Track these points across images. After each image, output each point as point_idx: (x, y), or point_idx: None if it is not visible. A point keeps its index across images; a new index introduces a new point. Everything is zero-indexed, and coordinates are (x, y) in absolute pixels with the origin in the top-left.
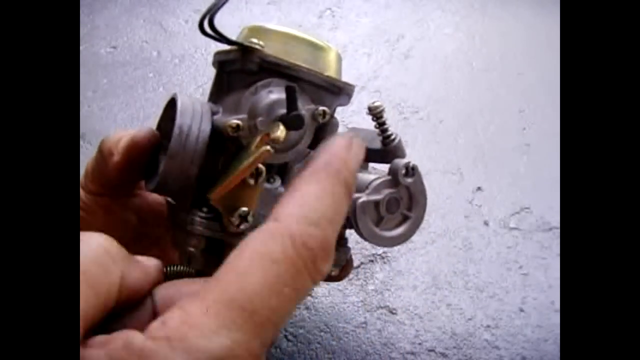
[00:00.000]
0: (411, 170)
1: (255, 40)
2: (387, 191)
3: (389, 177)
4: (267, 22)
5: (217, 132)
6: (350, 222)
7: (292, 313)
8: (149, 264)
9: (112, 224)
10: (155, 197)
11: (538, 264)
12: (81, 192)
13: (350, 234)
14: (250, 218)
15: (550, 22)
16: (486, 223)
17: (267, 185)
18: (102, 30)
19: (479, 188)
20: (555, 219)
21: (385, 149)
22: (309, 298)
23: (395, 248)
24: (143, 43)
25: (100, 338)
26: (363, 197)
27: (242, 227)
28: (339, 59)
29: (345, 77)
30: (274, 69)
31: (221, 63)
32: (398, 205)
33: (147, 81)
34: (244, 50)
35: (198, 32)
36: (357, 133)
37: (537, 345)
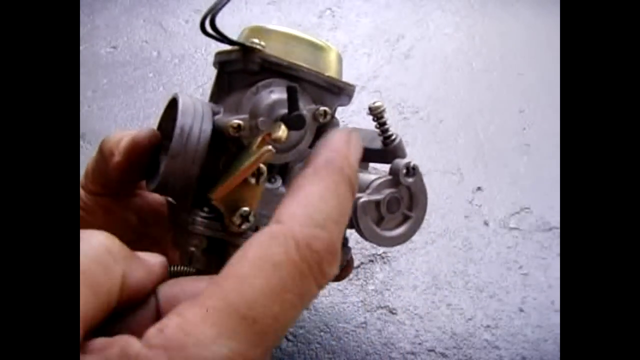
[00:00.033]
0: (412, 170)
1: (256, 41)
2: (387, 191)
3: (390, 177)
4: (267, 22)
5: (218, 132)
6: (351, 221)
7: (296, 319)
8: (153, 261)
9: (112, 224)
10: (156, 197)
11: (538, 264)
12: (81, 192)
13: (351, 234)
14: (251, 218)
15: (550, 22)
16: (486, 223)
17: (268, 185)
18: (102, 30)
19: (479, 188)
20: (555, 219)
21: (385, 149)
22: None
23: (395, 248)
24: (143, 43)
25: (99, 341)
26: (364, 197)
27: (243, 227)
28: (340, 59)
29: (345, 77)
30: (275, 69)
31: (222, 63)
32: (399, 205)
33: (147, 81)
34: (245, 51)
35: (198, 32)
36: (355, 128)
37: (537, 345)
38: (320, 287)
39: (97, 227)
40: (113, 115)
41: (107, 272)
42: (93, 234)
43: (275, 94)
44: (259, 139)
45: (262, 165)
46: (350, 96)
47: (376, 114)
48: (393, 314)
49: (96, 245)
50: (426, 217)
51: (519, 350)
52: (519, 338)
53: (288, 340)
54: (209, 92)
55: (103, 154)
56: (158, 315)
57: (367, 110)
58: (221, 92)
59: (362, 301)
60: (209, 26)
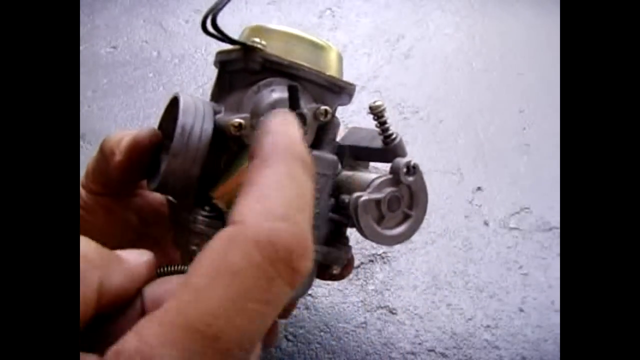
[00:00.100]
0: (412, 169)
1: (257, 40)
2: (388, 190)
3: (390, 176)
4: (267, 22)
5: (219, 131)
6: (351, 220)
7: (267, 327)
8: (138, 261)
9: (113, 223)
10: (156, 197)
11: (538, 264)
12: (82, 191)
13: (351, 233)
14: None
15: (550, 22)
16: (486, 223)
17: None
18: (102, 30)
19: (479, 188)
20: (555, 219)
21: (386, 148)
22: (308, 298)
23: (395, 248)
24: (143, 43)
25: None
26: (364, 196)
27: None
28: (340, 59)
29: (346, 77)
30: (275, 68)
31: (223, 63)
32: (399, 203)
33: (147, 81)
34: (246, 50)
35: (198, 32)
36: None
37: (537, 345)
38: (293, 286)
39: (97, 227)
40: (113, 115)
41: (82, 280)
42: None
43: (276, 93)
44: None
45: None
46: (350, 95)
47: (376, 113)
48: (393, 314)
49: None
50: (426, 217)
51: (519, 350)
52: (519, 338)
53: (288, 340)
54: (209, 92)
55: (104, 154)
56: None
57: (367, 110)
58: (222, 91)
59: (362, 301)
60: (210, 25)
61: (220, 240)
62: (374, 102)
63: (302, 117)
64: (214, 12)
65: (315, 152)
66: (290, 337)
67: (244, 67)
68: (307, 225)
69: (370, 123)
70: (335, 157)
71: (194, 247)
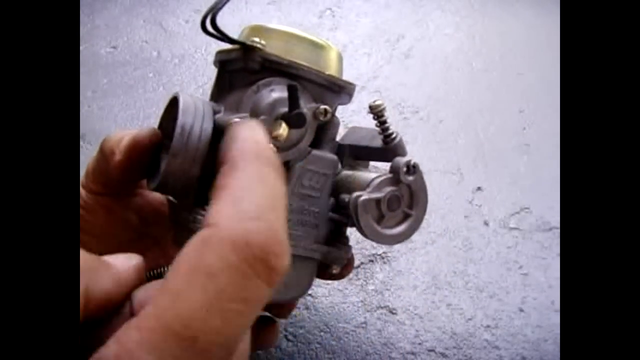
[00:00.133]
0: (412, 168)
1: (256, 39)
2: (388, 189)
3: (390, 175)
4: (267, 22)
5: (219, 130)
6: (351, 219)
7: (247, 326)
8: (126, 266)
9: (113, 223)
10: (156, 197)
11: (538, 264)
12: (82, 191)
13: (351, 233)
14: None
15: (550, 22)
16: (486, 223)
17: None
18: (102, 30)
19: (479, 188)
20: (555, 219)
21: (386, 148)
22: (308, 298)
23: (395, 248)
24: (143, 43)
25: None
26: (364, 195)
27: None
28: (340, 58)
29: (345, 77)
30: (275, 68)
31: (223, 62)
32: (399, 203)
33: (147, 81)
34: (245, 49)
35: (198, 32)
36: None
37: (537, 345)
38: (272, 284)
39: (97, 227)
40: (113, 115)
41: None
42: None
43: (275, 93)
44: None
45: None
46: (350, 95)
47: (376, 112)
48: (393, 314)
49: None
50: (426, 217)
51: (519, 350)
52: (519, 338)
53: (288, 340)
54: (209, 92)
55: (104, 153)
56: None
57: (367, 110)
58: (222, 91)
59: (362, 301)
60: (210, 25)
61: (196, 243)
62: (374, 102)
63: (301, 117)
64: (213, 11)
65: (315, 152)
66: (290, 337)
67: (243, 67)
68: (281, 224)
69: (370, 123)
70: (335, 157)
71: None
